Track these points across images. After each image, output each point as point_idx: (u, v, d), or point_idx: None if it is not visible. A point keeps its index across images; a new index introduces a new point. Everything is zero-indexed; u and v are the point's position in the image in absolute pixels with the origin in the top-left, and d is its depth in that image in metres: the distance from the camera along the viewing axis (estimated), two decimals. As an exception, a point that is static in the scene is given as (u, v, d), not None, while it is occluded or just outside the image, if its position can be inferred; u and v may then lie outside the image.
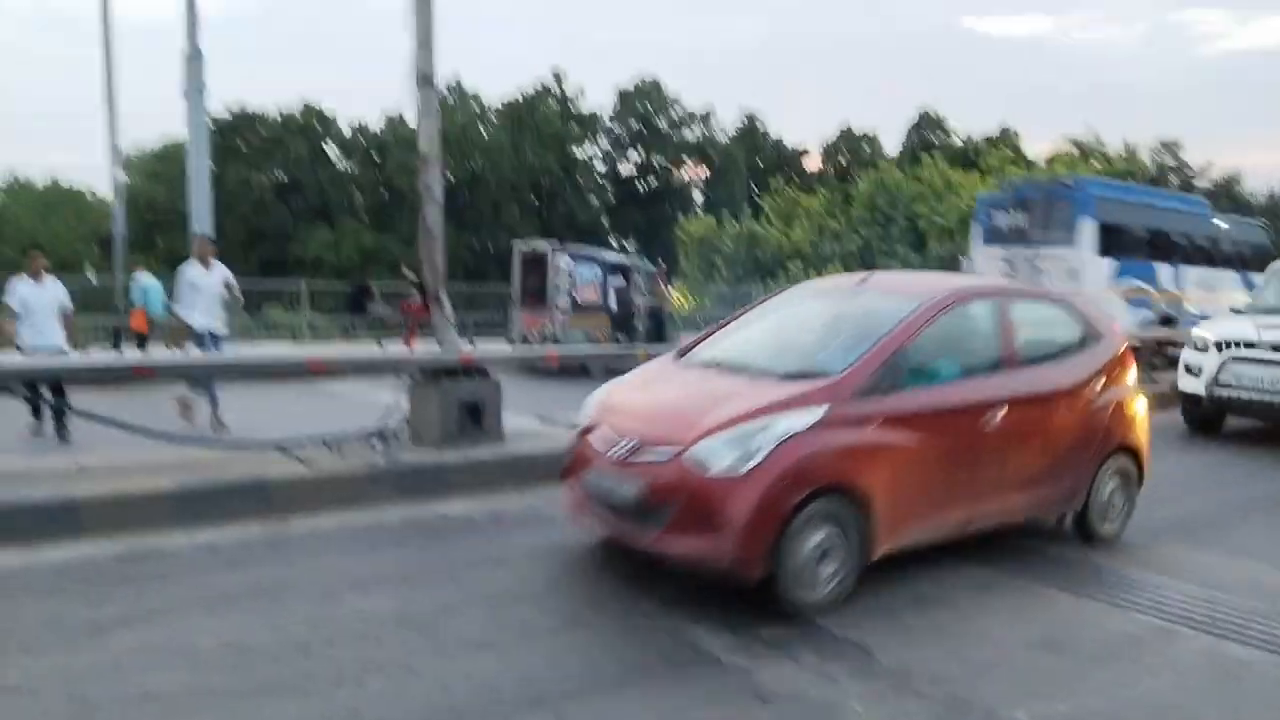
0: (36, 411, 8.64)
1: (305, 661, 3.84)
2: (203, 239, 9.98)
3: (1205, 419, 10.19)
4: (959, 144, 54.31)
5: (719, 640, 4.16)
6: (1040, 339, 5.67)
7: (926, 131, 57.00)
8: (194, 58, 25.48)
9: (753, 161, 56.44)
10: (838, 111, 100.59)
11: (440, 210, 7.41)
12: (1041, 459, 5.39)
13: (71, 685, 3.60)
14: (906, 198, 38.71)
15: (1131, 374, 6.03)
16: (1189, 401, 10.12)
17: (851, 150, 58.57)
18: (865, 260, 38.26)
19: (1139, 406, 5.97)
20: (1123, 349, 5.99)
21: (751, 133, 57.54)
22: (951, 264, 33.97)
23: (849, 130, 59.23)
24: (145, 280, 16.09)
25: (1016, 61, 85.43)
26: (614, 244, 49.16)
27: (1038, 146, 78.54)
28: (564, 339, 15.03)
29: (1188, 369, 9.98)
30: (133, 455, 6.50)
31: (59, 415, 8.36)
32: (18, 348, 8.81)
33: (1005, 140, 49.51)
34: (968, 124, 71.49)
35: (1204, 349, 9.81)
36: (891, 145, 57.97)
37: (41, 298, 8.94)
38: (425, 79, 7.13)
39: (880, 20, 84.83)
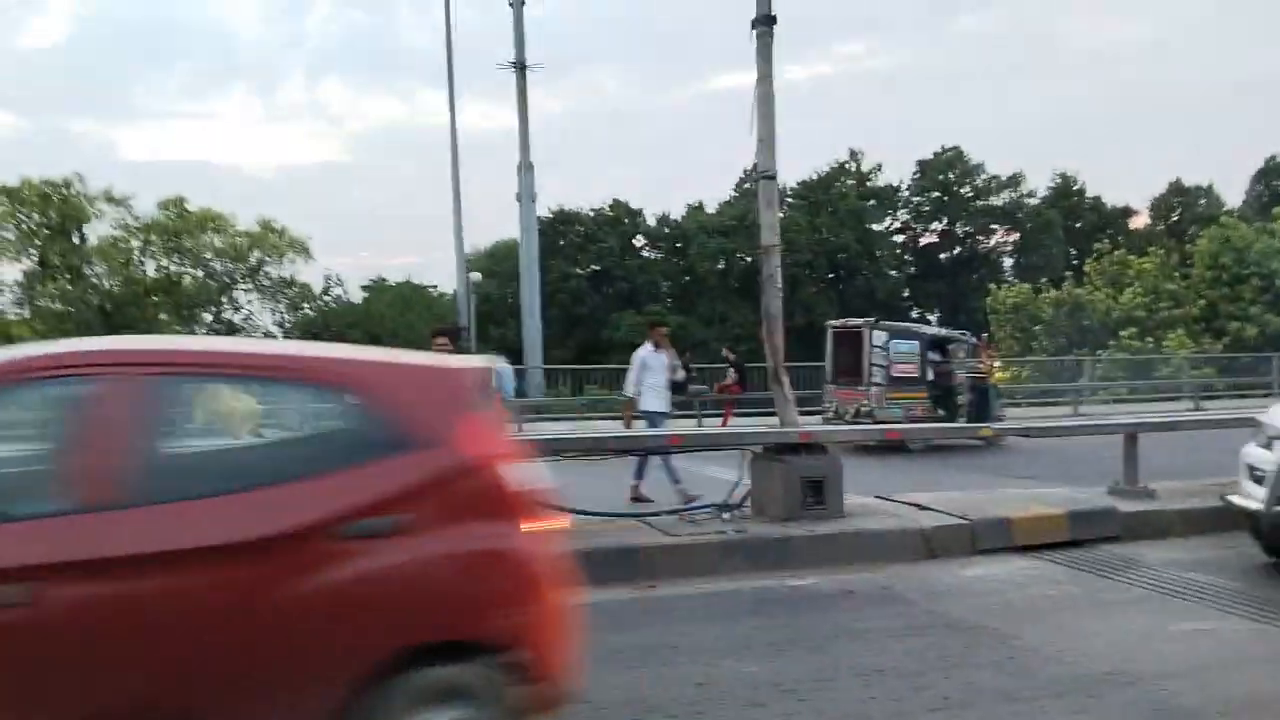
0: None
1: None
2: (656, 325, 10.41)
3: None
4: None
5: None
6: (230, 450, 3.47)
7: (1276, 180, 50.75)
8: (526, 169, 28.61)
9: (1069, 224, 52.99)
10: (1166, 167, 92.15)
11: (780, 296, 7.76)
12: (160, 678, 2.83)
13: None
14: (1259, 254, 34.53)
15: (515, 502, 3.27)
16: (1250, 521, 6.76)
17: (1185, 205, 53.34)
18: (1211, 325, 34.47)
19: (524, 559, 3.28)
20: (478, 461, 3.23)
21: (1066, 194, 54.16)
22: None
23: (1179, 183, 54.09)
24: (500, 366, 17.94)
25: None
26: (916, 315, 47.89)
27: None
28: (881, 415, 14.85)
29: (1251, 473, 6.76)
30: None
31: None
32: None
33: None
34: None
35: (1266, 445, 6.69)
36: (1233, 197, 52.19)
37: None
38: (767, 174, 7.59)
39: (1207, 69, 77.37)
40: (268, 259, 35.94)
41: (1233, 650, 5.02)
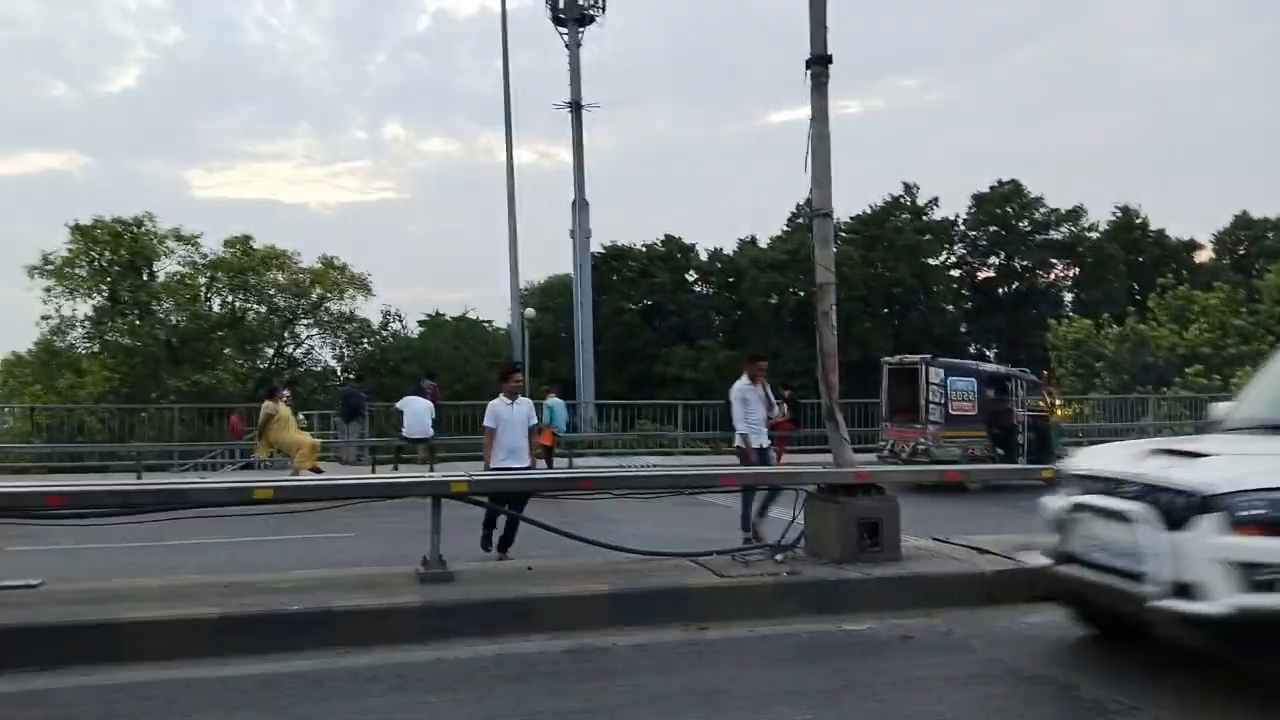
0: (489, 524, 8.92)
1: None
2: (753, 360, 10.23)
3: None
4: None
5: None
6: None
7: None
8: (581, 206, 28.95)
9: (1130, 258, 51.88)
10: (1230, 199, 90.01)
11: (835, 333, 7.71)
12: None
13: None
14: (1331, 288, 33.49)
15: None
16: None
17: (1251, 239, 51.95)
18: (1283, 362, 33.34)
19: None
20: None
21: (1127, 227, 53.08)
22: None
23: (1246, 216, 52.73)
24: (552, 402, 18.08)
25: None
26: (973, 351, 47.12)
27: None
28: (939, 454, 14.60)
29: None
30: (568, 560, 7.27)
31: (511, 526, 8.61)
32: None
33: None
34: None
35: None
36: (1303, 229, 50.67)
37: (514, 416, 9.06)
38: (822, 213, 7.58)
39: (1272, 98, 75.59)
40: (329, 295, 36.64)
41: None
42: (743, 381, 9.86)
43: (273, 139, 76.40)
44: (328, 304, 37.08)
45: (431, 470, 14.40)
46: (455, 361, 38.12)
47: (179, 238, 34.04)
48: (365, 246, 78.50)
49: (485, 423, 8.97)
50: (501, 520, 8.39)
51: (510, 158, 28.63)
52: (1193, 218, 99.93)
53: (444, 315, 46.72)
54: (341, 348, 39.06)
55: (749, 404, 9.68)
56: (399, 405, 16.96)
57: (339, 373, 37.90)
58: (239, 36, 75.72)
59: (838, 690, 5.01)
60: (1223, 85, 78.60)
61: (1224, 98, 78.70)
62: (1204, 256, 53.59)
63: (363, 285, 37.03)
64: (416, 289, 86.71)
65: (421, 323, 45.23)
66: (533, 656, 5.64)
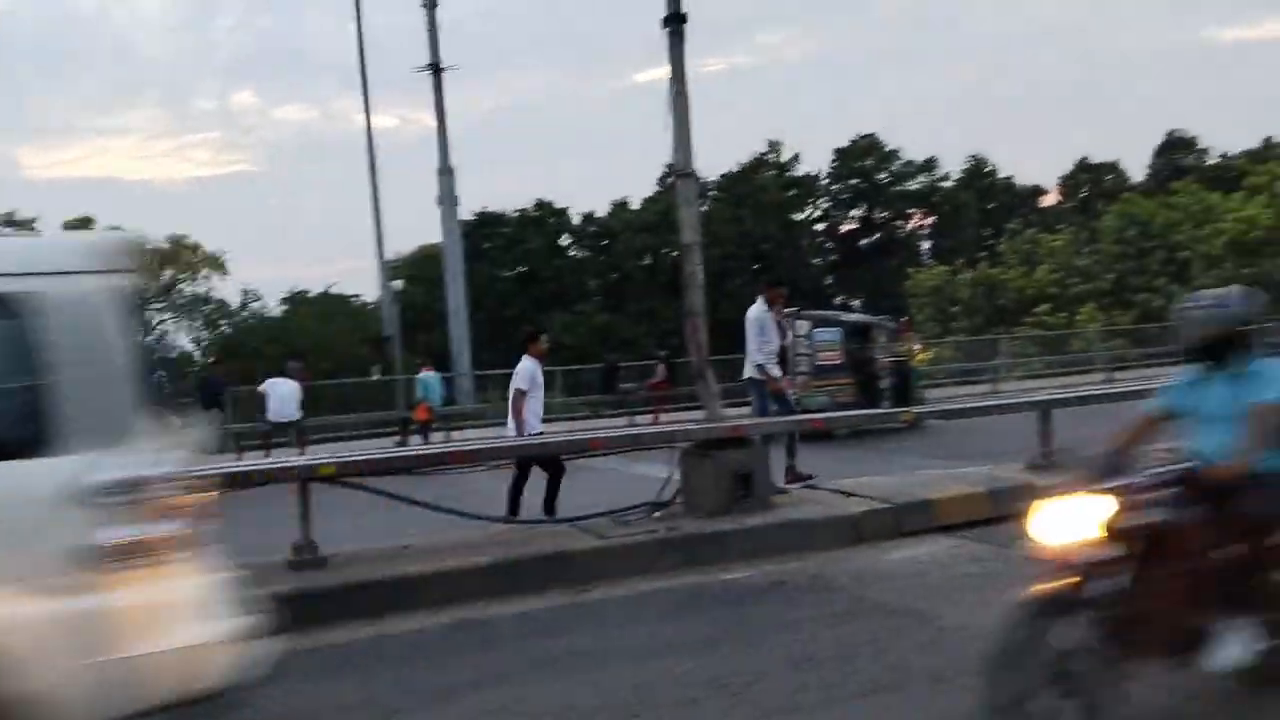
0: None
1: (635, 723, 4.12)
2: (773, 286, 9.78)
3: None
4: (1214, 164, 49.95)
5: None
6: None
7: (1176, 154, 52.88)
8: (446, 173, 28.30)
9: (982, 205, 54.42)
10: (1073, 145, 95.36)
11: (702, 292, 7.82)
12: None
13: (438, 742, 4.07)
14: (1160, 227, 35.96)
15: None
16: None
17: (1093, 182, 55.21)
18: (1120, 298, 35.75)
19: None
20: None
21: (979, 175, 55.59)
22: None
23: (1087, 161, 55.96)
24: (426, 375, 17.77)
25: (1273, 68, 77.80)
26: (839, 302, 48.70)
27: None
28: (808, 403, 15.05)
29: None
30: (447, 536, 7.20)
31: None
32: None
33: (1271, 154, 44.95)
34: (1224, 142, 65.59)
35: None
36: (1138, 172, 54.20)
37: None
38: (684, 173, 7.64)
39: (1108, 47, 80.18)
40: (181, 276, 34.93)
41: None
42: (759, 306, 9.14)
43: (112, 112, 71.57)
44: (180, 285, 35.33)
45: (303, 454, 13.97)
46: (322, 340, 36.97)
47: (10, 223, 31.79)
48: (220, 223, 74.70)
49: (519, 384, 8.34)
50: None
51: (369, 124, 27.80)
52: (1039, 165, 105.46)
53: (307, 292, 45.20)
54: (198, 331, 37.37)
55: (765, 331, 8.97)
56: (262, 388, 16.34)
57: (196, 357, 36.24)
58: (68, 3, 70.41)
59: (716, 639, 5.16)
60: (1061, 35, 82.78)
61: (1062, 47, 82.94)
62: (1050, 200, 56.71)
63: (218, 265, 35.49)
64: (279, 267, 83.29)
65: (284, 301, 43.63)
66: (414, 635, 5.59)
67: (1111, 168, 55.44)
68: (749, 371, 9.16)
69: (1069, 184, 56.62)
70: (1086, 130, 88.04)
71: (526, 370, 8.47)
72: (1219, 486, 3.53)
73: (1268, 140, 48.58)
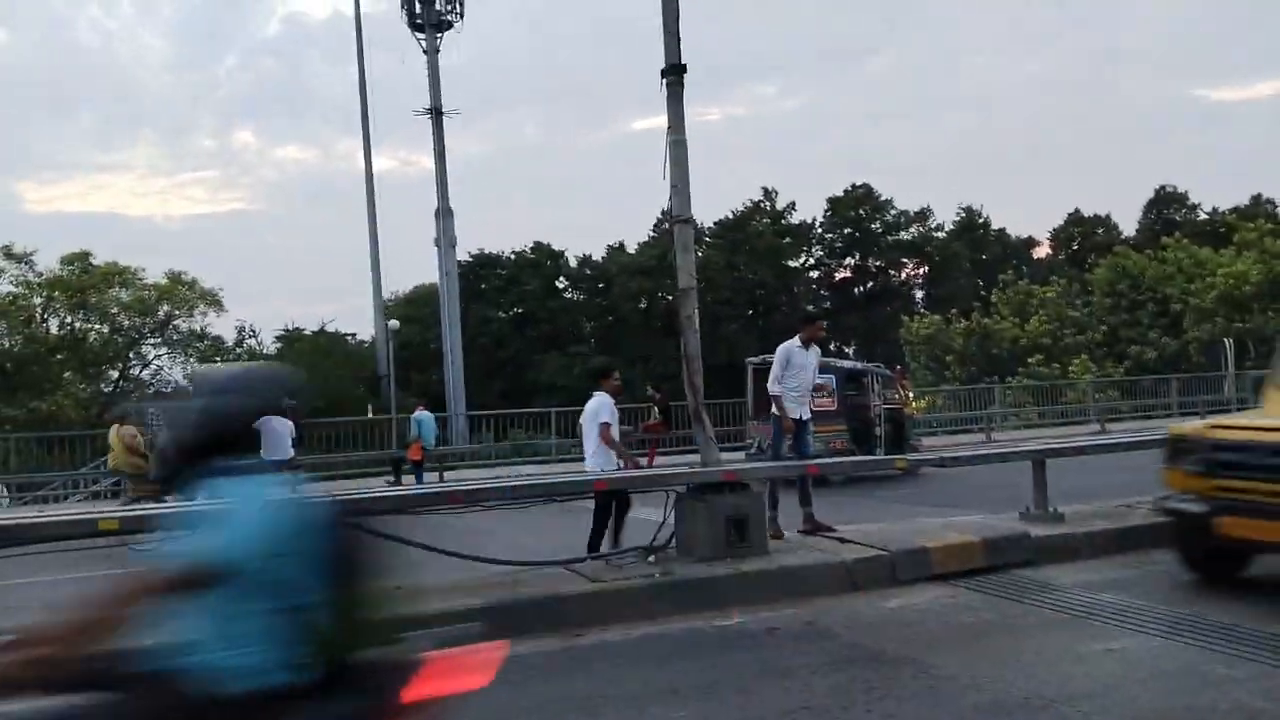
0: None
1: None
2: (808, 321, 9.41)
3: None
4: (1203, 219, 50.58)
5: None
6: None
7: (1166, 209, 53.56)
8: (445, 214, 28.52)
9: (975, 256, 54.92)
10: (1065, 198, 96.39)
11: (698, 336, 7.88)
12: None
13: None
14: (1151, 280, 36.29)
15: None
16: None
17: (1083, 235, 55.83)
18: (1113, 349, 35.97)
19: None
20: None
21: (971, 227, 56.18)
22: (1213, 349, 31.32)
23: (1079, 214, 56.60)
24: (421, 415, 17.75)
25: (1261, 127, 79.08)
26: (833, 348, 48.89)
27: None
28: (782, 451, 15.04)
29: None
30: (439, 577, 7.14)
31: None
32: None
33: (1260, 210, 45.56)
34: (1212, 197, 66.46)
35: None
36: (1128, 226, 54.83)
37: None
38: (681, 219, 7.74)
39: (1100, 102, 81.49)
40: (177, 312, 34.88)
41: (1141, 668, 5.20)
42: (792, 341, 8.83)
43: (113, 149, 72.28)
44: (176, 322, 35.31)
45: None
46: (316, 377, 36.91)
47: (9, 255, 31.81)
48: (217, 260, 75.05)
49: (604, 418, 8.28)
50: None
51: (369, 164, 28.06)
52: (1031, 217, 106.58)
53: (303, 330, 45.20)
54: (193, 367, 37.25)
55: (792, 365, 8.62)
56: (255, 426, 16.29)
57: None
58: (73, 38, 71.28)
59: (709, 685, 5.12)
60: (1054, 91, 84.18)
61: (1055, 102, 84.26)
62: (1042, 252, 57.29)
63: (214, 301, 35.43)
64: (274, 304, 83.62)
65: (279, 338, 43.59)
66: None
67: (1102, 221, 56.09)
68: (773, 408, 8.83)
69: (1060, 236, 57.23)
70: (1078, 184, 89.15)
71: (605, 403, 8.41)
72: None
73: (1257, 197, 49.27)
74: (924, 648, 5.70)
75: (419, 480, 16.68)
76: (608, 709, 4.83)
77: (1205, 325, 33.04)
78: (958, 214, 56.40)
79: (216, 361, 37.41)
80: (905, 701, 4.77)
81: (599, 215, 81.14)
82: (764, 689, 5.05)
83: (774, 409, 8.75)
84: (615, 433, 8.35)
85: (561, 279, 51.18)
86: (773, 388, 8.71)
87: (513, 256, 49.65)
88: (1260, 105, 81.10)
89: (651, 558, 7.39)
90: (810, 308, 43.67)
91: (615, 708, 4.83)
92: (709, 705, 4.82)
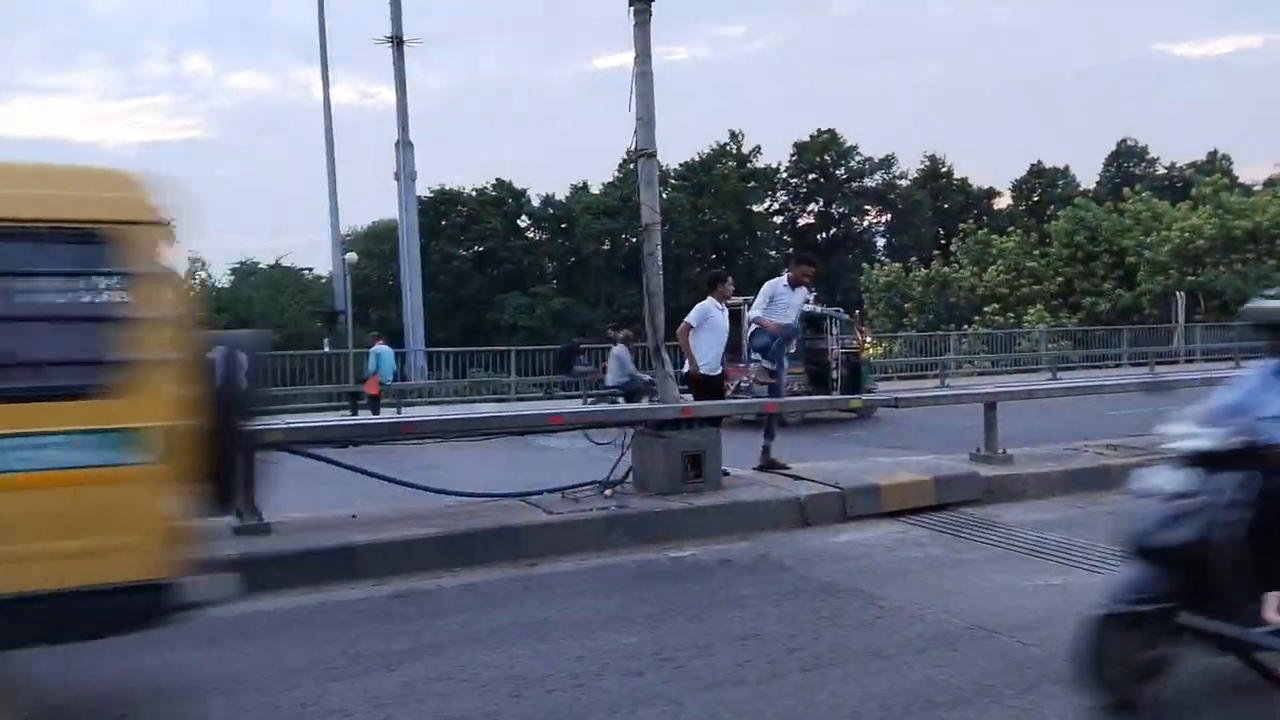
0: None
1: (580, 692, 4.14)
2: (800, 261, 9.07)
3: None
4: (1162, 173, 51.19)
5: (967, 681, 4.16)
6: None
7: (1126, 163, 54.08)
8: (405, 146, 27.91)
9: (937, 205, 55.19)
10: (1027, 149, 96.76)
11: (660, 274, 7.83)
12: None
13: (381, 710, 4.03)
14: (1109, 232, 36.73)
15: None
16: None
17: (1044, 187, 56.26)
18: (1068, 300, 36.47)
19: None
20: None
21: (934, 175, 56.35)
22: (1164, 302, 31.93)
23: (1040, 166, 56.96)
24: (379, 349, 17.58)
25: (1222, 83, 79.79)
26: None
27: (1254, 171, 72.67)
28: (759, 391, 15.14)
29: None
30: (396, 507, 7.14)
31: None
32: None
33: (1216, 166, 46.18)
34: (1171, 152, 67.09)
35: None
36: (1088, 179, 55.32)
37: None
38: (646, 153, 7.65)
39: (1064, 55, 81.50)
40: (127, 242, 34.04)
41: (1079, 601, 5.35)
42: (779, 280, 8.77)
43: (59, 70, 69.57)
44: (127, 252, 34.49)
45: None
46: (271, 311, 36.41)
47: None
48: (169, 189, 72.88)
49: (689, 319, 8.50)
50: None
51: (327, 92, 27.28)
52: (994, 167, 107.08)
53: (258, 264, 44.44)
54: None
55: (775, 304, 8.57)
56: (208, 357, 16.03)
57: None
58: (11, -46, 67.96)
59: (661, 614, 5.19)
60: (1020, 42, 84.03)
61: (1021, 54, 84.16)
62: (1003, 203, 57.68)
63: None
64: (229, 237, 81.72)
65: (233, 271, 42.84)
66: (358, 602, 5.55)
67: (1063, 173, 56.54)
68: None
69: (1022, 188, 57.64)
70: (1041, 136, 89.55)
71: (700, 309, 8.67)
72: None
73: (1213, 153, 49.89)
74: (872, 580, 5.81)
75: (375, 413, 16.57)
76: (559, 633, 4.87)
77: (1159, 278, 33.61)
78: (922, 162, 56.56)
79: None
80: (852, 630, 4.87)
81: (563, 154, 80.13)
82: (715, 617, 5.13)
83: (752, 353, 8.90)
84: (710, 340, 8.56)
85: (524, 218, 50.68)
86: (753, 314, 8.82)
87: (474, 194, 48.99)
88: (1219, 62, 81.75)
89: (607, 492, 7.43)
90: (805, 252, 43.69)
91: (566, 633, 4.88)
92: (659, 632, 4.88)
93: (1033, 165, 57.56)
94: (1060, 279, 36.76)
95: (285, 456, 6.89)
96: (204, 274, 39.98)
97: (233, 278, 42.87)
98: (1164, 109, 79.58)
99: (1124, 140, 55.48)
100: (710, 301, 8.88)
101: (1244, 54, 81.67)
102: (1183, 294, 30.21)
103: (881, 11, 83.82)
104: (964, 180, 57.63)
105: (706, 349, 8.67)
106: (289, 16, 74.22)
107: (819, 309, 17.61)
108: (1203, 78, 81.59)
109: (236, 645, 4.83)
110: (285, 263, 45.99)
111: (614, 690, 4.14)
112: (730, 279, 9.48)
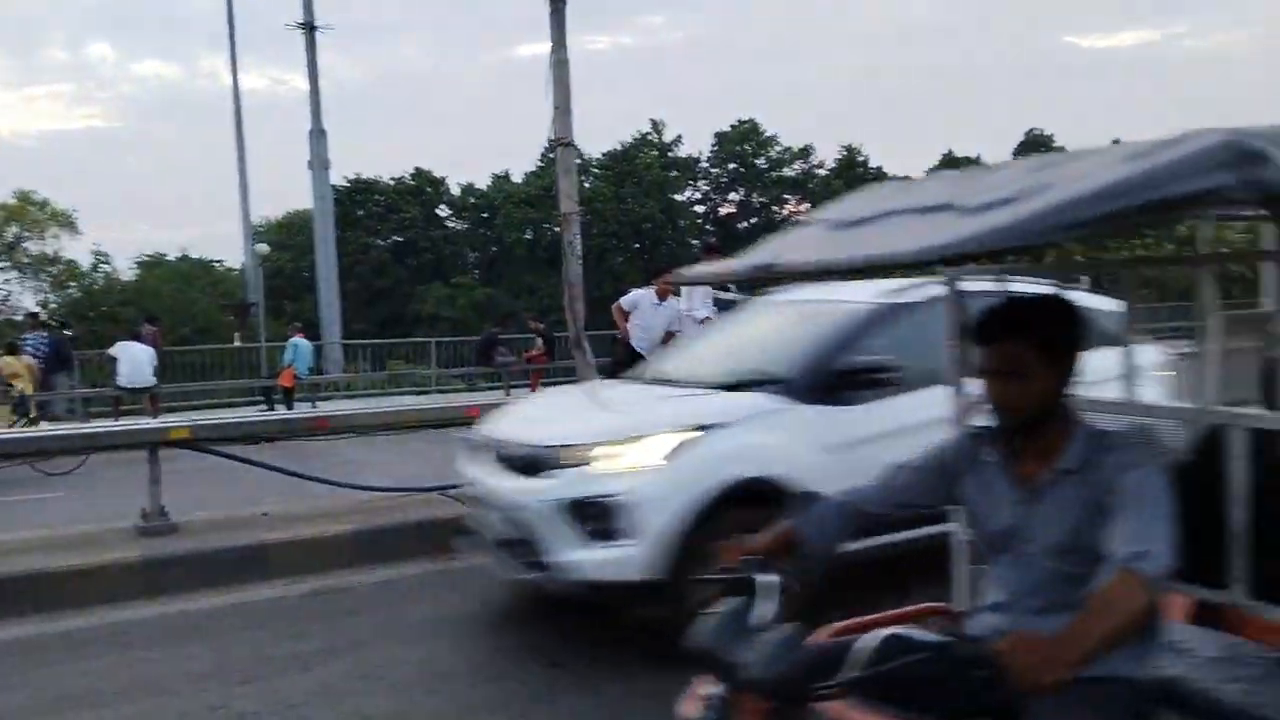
0: None
1: (496, 686, 4.11)
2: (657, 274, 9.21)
3: None
4: (1068, 162, 52.99)
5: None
6: None
7: (1035, 151, 55.79)
8: (318, 135, 27.24)
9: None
10: (939, 139, 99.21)
11: (580, 264, 7.81)
12: None
13: (293, 711, 3.95)
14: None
15: None
16: None
17: (956, 176, 57.70)
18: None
19: None
20: None
21: (851, 165, 57.32)
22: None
23: (952, 154, 58.38)
24: (298, 341, 17.18)
25: (1128, 75, 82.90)
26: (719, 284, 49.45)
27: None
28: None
29: None
30: (310, 504, 6.98)
31: None
32: None
33: (1118, 155, 47.98)
34: (1077, 141, 69.49)
35: None
36: (998, 167, 56.84)
37: None
38: (564, 142, 7.60)
39: (975, 47, 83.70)
40: (27, 234, 32.58)
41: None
42: (647, 291, 8.95)
43: (-54, 54, 65.89)
44: (26, 244, 33.00)
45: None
46: (179, 305, 35.23)
47: None
48: (71, 181, 69.76)
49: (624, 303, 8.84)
50: None
51: (235, 79, 26.47)
52: (908, 156, 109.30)
53: (164, 256, 43.00)
54: (46, 292, 35.03)
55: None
56: (112, 351, 15.40)
57: (43, 320, 33.96)
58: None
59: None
60: (935, 35, 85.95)
61: (936, 47, 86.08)
62: (917, 192, 58.90)
63: (68, 223, 33.27)
64: (136, 229, 78.53)
65: (138, 263, 41.34)
66: (271, 603, 5.42)
67: (974, 162, 58.09)
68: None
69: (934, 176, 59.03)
70: (953, 126, 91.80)
71: (635, 295, 9.04)
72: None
73: (1115, 141, 51.80)
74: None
75: (289, 408, 16.16)
76: (478, 627, 4.86)
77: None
78: (839, 152, 57.44)
79: (70, 287, 35.20)
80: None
81: (484, 144, 79.06)
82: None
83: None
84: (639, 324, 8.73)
85: (443, 207, 49.97)
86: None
87: (392, 183, 48.08)
88: (1122, 53, 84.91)
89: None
90: (708, 241, 43.89)
91: (485, 626, 4.86)
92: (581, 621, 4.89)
93: (945, 154, 58.95)
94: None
95: (193, 455, 6.73)
96: (108, 267, 38.50)
97: (139, 270, 41.32)
98: (1071, 100, 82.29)
99: (1031, 130, 57.25)
100: (648, 292, 8.98)
101: (1144, 47, 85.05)
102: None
103: (801, 3, 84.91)
104: (879, 169, 58.73)
105: (637, 338, 8.76)
106: (198, 1, 71.65)
107: (740, 296, 17.80)
108: (1107, 69, 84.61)
109: (142, 650, 4.68)
110: (194, 255, 44.57)
111: (534, 680, 4.12)
112: (669, 274, 9.39)
